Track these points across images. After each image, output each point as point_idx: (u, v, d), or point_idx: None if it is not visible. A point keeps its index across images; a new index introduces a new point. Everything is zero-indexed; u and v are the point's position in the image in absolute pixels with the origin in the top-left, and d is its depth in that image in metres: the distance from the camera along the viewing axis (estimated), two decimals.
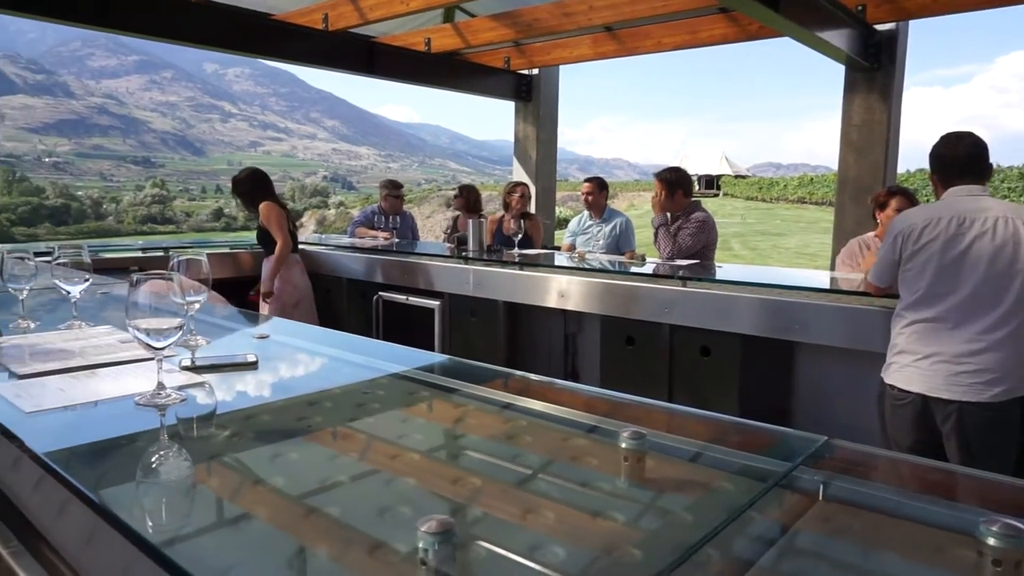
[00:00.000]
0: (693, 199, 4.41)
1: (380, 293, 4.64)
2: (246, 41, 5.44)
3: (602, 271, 3.95)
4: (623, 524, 0.88)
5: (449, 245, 5.07)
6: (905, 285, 2.47)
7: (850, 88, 5.23)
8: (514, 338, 4.13)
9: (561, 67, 7.34)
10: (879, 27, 4.96)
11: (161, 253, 4.98)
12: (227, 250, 5.34)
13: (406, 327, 4.50)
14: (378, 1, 5.17)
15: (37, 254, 1.97)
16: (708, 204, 4.63)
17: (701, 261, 4.13)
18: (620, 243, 5.05)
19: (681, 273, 3.49)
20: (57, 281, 1.80)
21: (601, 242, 5.06)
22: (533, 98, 7.36)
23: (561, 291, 3.69)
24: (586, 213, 5.25)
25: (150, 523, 0.87)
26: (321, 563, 0.80)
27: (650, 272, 3.71)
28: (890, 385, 2.46)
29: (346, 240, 5.76)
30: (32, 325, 1.82)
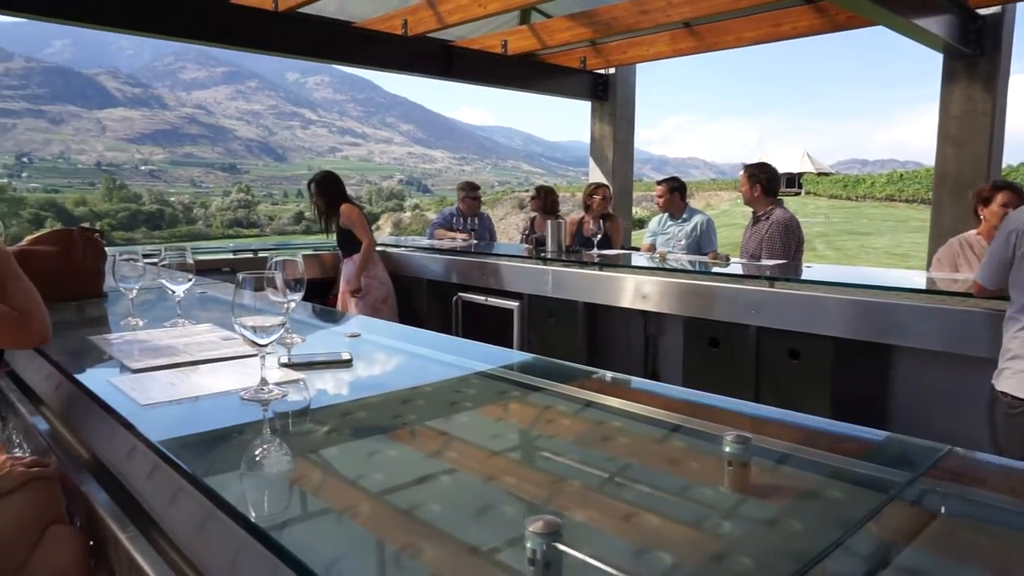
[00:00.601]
0: (777, 197, 4.27)
1: (459, 294, 4.69)
2: (329, 49, 5.63)
3: (684, 271, 3.86)
4: (730, 532, 0.85)
5: (527, 246, 5.08)
6: (1018, 286, 2.31)
7: (949, 77, 4.95)
8: (593, 339, 4.09)
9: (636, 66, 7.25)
10: (982, 11, 4.68)
11: (251, 255, 5.19)
12: (311, 251, 5.50)
13: (485, 327, 4.52)
14: (456, 5, 5.23)
15: (144, 256, 2.08)
16: (789, 203, 4.47)
17: (789, 261, 3.99)
18: (701, 243, 4.93)
19: (768, 273, 3.38)
20: (163, 281, 1.90)
21: (682, 242, 4.96)
22: (609, 98, 7.29)
23: (641, 292, 3.63)
24: (666, 213, 5.15)
25: (257, 512, 0.89)
26: (424, 560, 0.80)
27: (735, 272, 3.60)
28: (1003, 392, 2.31)
29: (425, 242, 5.85)
30: (140, 323, 1.92)
